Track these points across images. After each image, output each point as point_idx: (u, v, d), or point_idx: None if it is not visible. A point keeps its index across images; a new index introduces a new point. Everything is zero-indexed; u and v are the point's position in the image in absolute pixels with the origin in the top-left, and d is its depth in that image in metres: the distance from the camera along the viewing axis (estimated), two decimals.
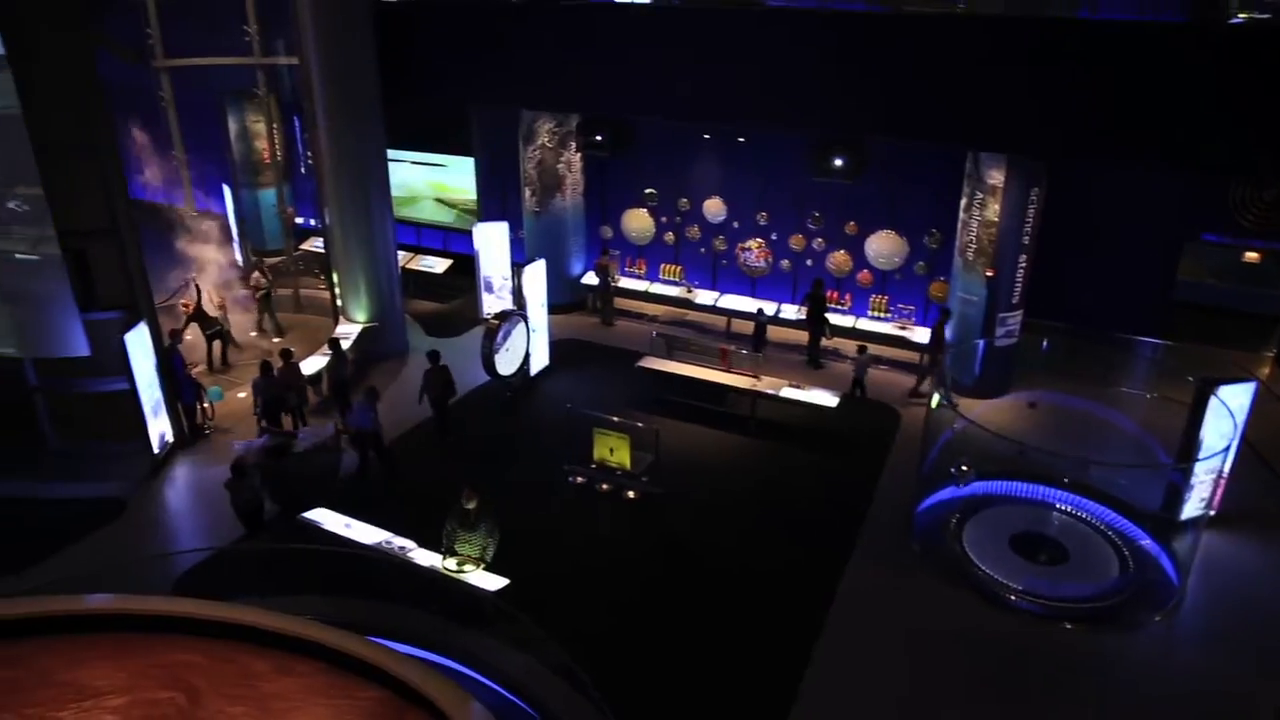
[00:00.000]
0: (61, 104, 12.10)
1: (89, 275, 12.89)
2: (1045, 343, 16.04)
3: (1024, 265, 14.75)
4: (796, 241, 18.17)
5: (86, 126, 12.39)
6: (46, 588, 8.00)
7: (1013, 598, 10.84)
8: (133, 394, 13.20)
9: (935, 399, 12.07)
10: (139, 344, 13.23)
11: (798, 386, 14.86)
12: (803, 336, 17.25)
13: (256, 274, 18.32)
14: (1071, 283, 16.45)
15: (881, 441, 14.37)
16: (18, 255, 12.46)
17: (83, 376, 13.44)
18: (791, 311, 17.97)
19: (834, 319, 17.15)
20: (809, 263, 18.20)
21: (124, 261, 13.17)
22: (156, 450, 13.65)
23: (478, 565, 10.41)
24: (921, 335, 16.75)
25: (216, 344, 16.87)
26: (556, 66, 16.30)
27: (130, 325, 13.07)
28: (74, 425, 13.94)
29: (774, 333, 17.81)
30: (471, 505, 10.43)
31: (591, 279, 19.24)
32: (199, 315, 16.76)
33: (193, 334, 16.66)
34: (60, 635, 4.26)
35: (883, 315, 17.65)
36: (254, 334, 18.27)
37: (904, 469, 13.31)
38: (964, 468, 11.74)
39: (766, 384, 14.93)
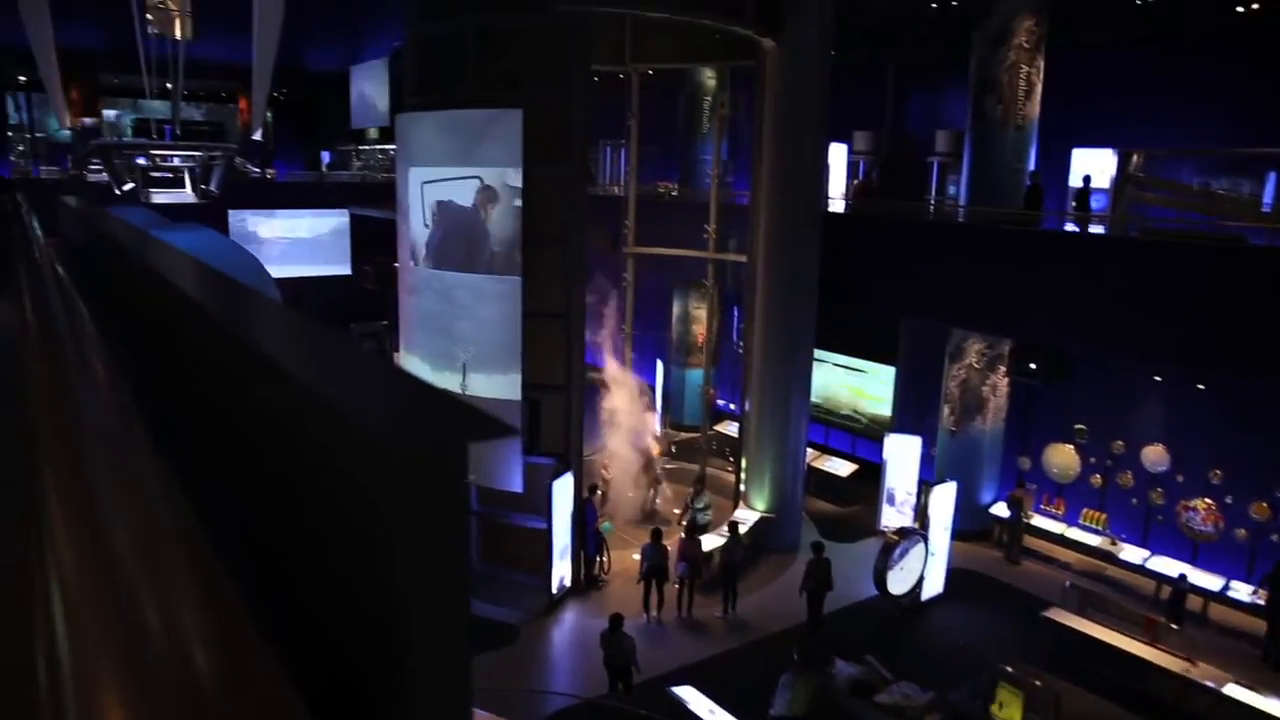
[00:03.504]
0: (552, 282, 14.35)
1: (538, 423, 14.66)
2: None
3: None
4: (1259, 510, 15.49)
5: (566, 300, 14.46)
6: None
7: None
8: (547, 534, 14.50)
9: None
10: (563, 491, 14.61)
11: (1247, 686, 12.32)
12: (1259, 624, 14.45)
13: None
14: None
15: None
16: (493, 396, 14.57)
17: (511, 510, 15.11)
18: (1245, 591, 15.20)
19: None
20: (1274, 537, 15.37)
21: (567, 416, 14.85)
22: (554, 590, 14.74)
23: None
24: None
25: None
26: (996, 288, 15.97)
27: (560, 473, 14.54)
28: (495, 551, 15.60)
29: (1218, 613, 15.16)
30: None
31: (1002, 510, 17.93)
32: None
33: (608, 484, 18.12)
34: None
35: None
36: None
37: None
38: None
39: (1203, 672, 12.58)
